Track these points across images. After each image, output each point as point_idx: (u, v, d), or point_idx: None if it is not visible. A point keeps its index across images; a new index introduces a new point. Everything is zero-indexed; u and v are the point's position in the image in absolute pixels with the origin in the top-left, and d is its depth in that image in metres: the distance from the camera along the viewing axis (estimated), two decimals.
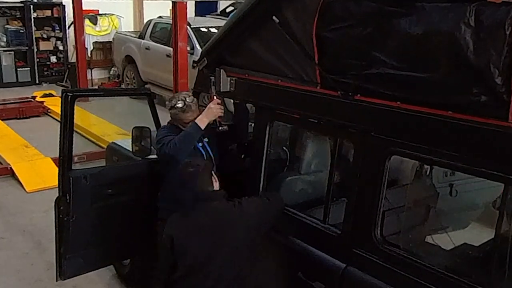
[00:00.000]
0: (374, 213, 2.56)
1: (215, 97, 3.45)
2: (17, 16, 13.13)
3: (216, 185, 2.88)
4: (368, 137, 2.55)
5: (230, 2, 13.25)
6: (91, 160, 7.32)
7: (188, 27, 8.74)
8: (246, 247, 2.85)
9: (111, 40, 13.39)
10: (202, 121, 3.40)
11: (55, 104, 10.14)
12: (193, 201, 2.86)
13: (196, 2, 12.81)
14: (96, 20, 13.84)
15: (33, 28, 13.20)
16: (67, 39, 13.63)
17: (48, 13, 13.50)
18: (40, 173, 7.14)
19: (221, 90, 3.40)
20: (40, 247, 5.30)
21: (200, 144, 3.59)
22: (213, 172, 2.90)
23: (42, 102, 10.85)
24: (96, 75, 13.63)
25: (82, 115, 9.56)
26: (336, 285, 2.75)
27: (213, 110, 3.41)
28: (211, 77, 3.44)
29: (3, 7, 12.90)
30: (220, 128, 3.49)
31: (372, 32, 2.42)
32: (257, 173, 3.24)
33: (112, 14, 14.13)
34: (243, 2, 3.14)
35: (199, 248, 2.78)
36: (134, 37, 12.18)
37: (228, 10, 13.00)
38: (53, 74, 13.79)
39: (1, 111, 10.10)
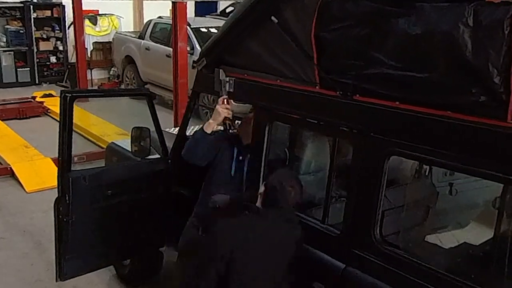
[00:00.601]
0: (373, 214, 2.56)
1: (224, 99, 3.35)
2: (17, 16, 13.13)
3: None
4: (367, 137, 2.55)
5: (230, 2, 13.25)
6: (91, 160, 7.32)
7: (188, 27, 8.75)
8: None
9: (111, 40, 13.39)
10: (209, 125, 3.34)
11: (55, 104, 10.13)
12: (249, 214, 2.80)
13: (196, 2, 12.80)
14: (96, 20, 13.84)
15: (33, 28, 13.20)
16: (67, 39, 13.63)
17: (48, 13, 13.50)
18: (40, 173, 7.14)
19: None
20: (40, 247, 5.30)
21: (241, 157, 3.46)
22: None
23: (42, 102, 10.85)
24: (96, 75, 13.64)
25: (82, 115, 9.57)
26: (336, 286, 2.75)
27: (218, 112, 3.31)
28: (226, 78, 3.37)
29: (3, 7, 12.89)
30: (230, 130, 3.37)
31: (371, 32, 2.41)
32: (256, 173, 3.24)
33: (112, 14, 14.13)
34: (242, 2, 3.14)
35: (258, 270, 2.61)
36: (134, 37, 12.18)
37: (228, 10, 13.00)
38: (53, 74, 13.80)
39: (1, 111, 10.10)
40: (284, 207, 2.74)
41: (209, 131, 3.35)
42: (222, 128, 3.45)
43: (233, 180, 3.43)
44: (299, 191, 2.77)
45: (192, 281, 2.73)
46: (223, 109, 3.31)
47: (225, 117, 3.32)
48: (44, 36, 13.58)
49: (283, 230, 2.74)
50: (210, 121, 3.35)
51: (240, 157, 3.46)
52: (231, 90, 3.34)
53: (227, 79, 3.35)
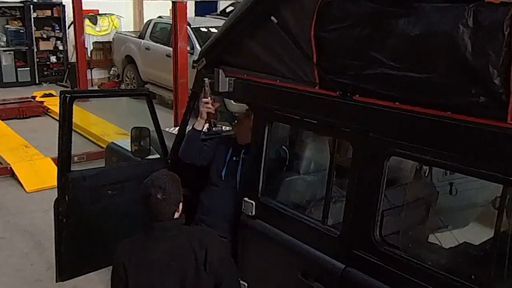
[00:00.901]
0: (373, 214, 2.56)
1: (206, 97, 3.44)
2: (17, 16, 13.15)
3: (177, 215, 2.64)
4: (367, 137, 2.55)
5: (230, 2, 13.26)
6: (90, 160, 7.34)
7: (188, 27, 8.75)
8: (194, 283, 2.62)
9: (111, 40, 13.41)
10: (198, 123, 3.48)
11: (55, 104, 10.11)
12: (147, 228, 2.63)
13: (196, 2, 12.81)
14: (96, 20, 13.86)
15: (33, 28, 13.23)
16: (67, 39, 13.66)
17: (48, 13, 13.52)
18: (40, 173, 7.15)
19: (220, 90, 3.39)
20: (40, 247, 5.31)
21: (235, 158, 3.53)
22: (180, 204, 2.65)
23: (42, 102, 10.86)
24: (96, 75, 13.66)
25: (82, 115, 9.58)
26: (336, 286, 2.75)
27: (201, 109, 3.43)
28: (205, 79, 3.43)
29: (3, 7, 12.91)
30: (214, 128, 3.49)
31: (371, 33, 2.41)
32: (256, 173, 3.24)
33: (112, 14, 14.15)
34: (241, 2, 3.14)
35: (148, 283, 2.57)
36: (134, 37, 12.19)
37: (228, 10, 13.00)
38: (53, 74, 13.81)
39: (1, 111, 10.12)
40: (164, 220, 2.56)
41: (199, 128, 3.47)
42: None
43: (223, 181, 3.50)
44: (173, 199, 2.56)
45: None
46: (205, 108, 3.42)
47: (209, 115, 3.43)
48: (44, 35, 13.60)
49: (172, 244, 2.59)
50: (198, 119, 3.48)
51: (234, 158, 3.51)
52: (231, 89, 3.34)
53: (207, 81, 3.41)
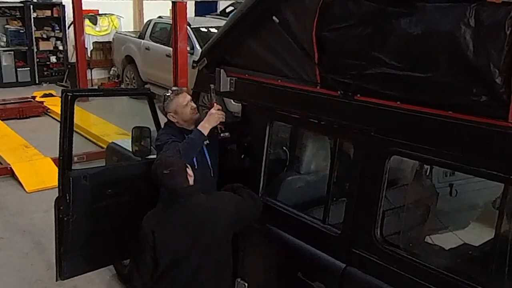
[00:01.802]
0: (374, 213, 2.56)
1: (215, 103, 3.42)
2: (17, 16, 13.14)
3: (191, 180, 2.94)
4: (368, 137, 2.55)
5: (230, 2, 13.27)
6: (91, 160, 7.31)
7: (188, 27, 8.75)
8: (223, 239, 2.94)
9: (111, 40, 13.39)
10: (204, 127, 3.35)
11: (55, 104, 10.15)
12: (170, 198, 2.96)
13: (196, 2, 12.82)
14: (96, 20, 13.85)
15: (33, 28, 13.20)
16: (67, 39, 13.64)
17: (48, 13, 13.51)
18: (40, 173, 7.14)
19: (221, 90, 3.40)
20: (40, 247, 5.30)
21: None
22: (187, 169, 2.95)
23: (42, 102, 10.85)
24: (96, 75, 13.63)
25: (82, 115, 9.57)
26: (336, 285, 2.75)
27: (214, 116, 3.36)
28: (211, 84, 3.42)
29: (3, 7, 12.90)
30: (221, 134, 3.44)
31: (372, 32, 2.42)
32: (257, 173, 3.24)
33: (112, 14, 14.14)
34: (243, 2, 3.15)
35: (179, 242, 2.86)
36: (134, 37, 12.19)
37: (228, 10, 13.02)
38: (53, 74, 13.79)
39: (1, 111, 10.10)
40: (180, 189, 2.88)
41: (206, 133, 3.37)
42: None
43: (197, 170, 3.37)
44: (178, 170, 2.88)
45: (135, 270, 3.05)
46: (218, 112, 3.38)
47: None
48: (44, 36, 13.58)
49: (199, 208, 2.92)
50: (205, 124, 3.37)
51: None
52: (232, 89, 3.35)
53: (213, 87, 3.40)
